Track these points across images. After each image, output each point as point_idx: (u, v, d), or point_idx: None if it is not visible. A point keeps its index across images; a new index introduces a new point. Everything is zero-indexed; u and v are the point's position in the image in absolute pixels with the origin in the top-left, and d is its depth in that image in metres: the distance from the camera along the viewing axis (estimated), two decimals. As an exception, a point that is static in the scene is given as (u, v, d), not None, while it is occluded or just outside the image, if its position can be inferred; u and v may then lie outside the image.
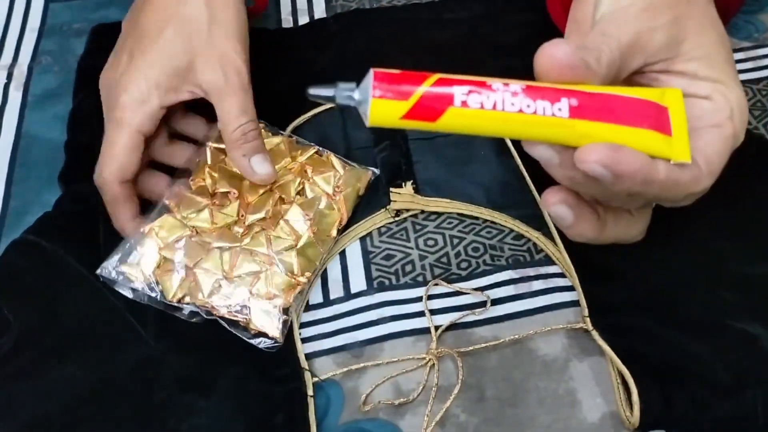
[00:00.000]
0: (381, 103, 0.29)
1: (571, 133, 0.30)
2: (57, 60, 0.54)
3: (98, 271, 0.40)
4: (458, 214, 0.45)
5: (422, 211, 0.45)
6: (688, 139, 0.31)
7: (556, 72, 0.30)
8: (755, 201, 0.43)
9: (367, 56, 0.52)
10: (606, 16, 0.34)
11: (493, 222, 0.44)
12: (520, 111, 0.29)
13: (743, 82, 0.50)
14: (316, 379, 0.38)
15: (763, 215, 0.43)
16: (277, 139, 0.44)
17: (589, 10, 0.37)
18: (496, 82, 0.29)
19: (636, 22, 0.33)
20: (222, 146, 0.44)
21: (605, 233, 0.35)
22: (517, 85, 0.29)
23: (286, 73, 0.51)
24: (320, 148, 0.46)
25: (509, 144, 0.47)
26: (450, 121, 0.29)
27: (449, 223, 0.45)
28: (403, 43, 0.53)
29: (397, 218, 0.45)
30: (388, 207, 0.45)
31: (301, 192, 0.43)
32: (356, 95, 0.29)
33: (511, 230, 0.44)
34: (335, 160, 0.45)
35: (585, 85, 0.30)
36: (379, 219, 0.45)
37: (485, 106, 0.29)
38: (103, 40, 0.52)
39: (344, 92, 0.30)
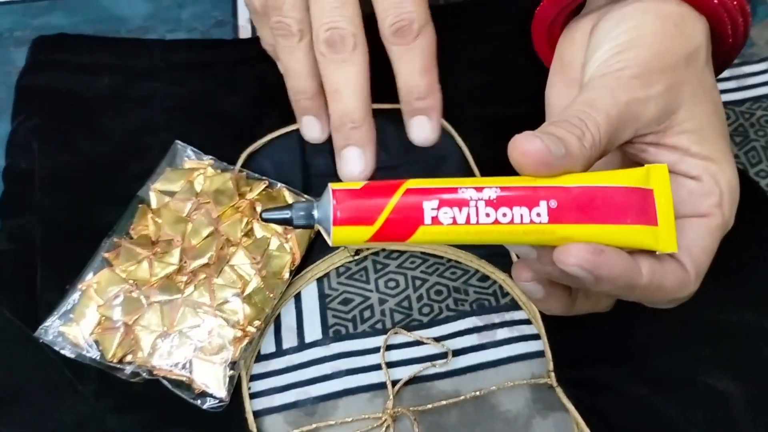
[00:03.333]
0: (344, 229, 0.27)
1: (552, 237, 0.27)
2: (-4, 73, 0.50)
3: (36, 334, 0.37)
4: (421, 252, 0.42)
5: (383, 249, 0.43)
6: (674, 225, 0.29)
7: (531, 168, 0.27)
8: (730, 243, 0.41)
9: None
10: (595, 80, 0.30)
11: (457, 261, 0.42)
12: (496, 222, 0.27)
13: (725, 103, 0.48)
14: (264, 443, 0.36)
15: (738, 258, 0.41)
16: (225, 176, 0.41)
17: (577, 54, 0.34)
18: (469, 189, 0.27)
19: (628, 91, 0.29)
20: (166, 188, 0.41)
21: (575, 308, 0.33)
22: (491, 189, 0.27)
23: (239, 90, 0.48)
24: (272, 182, 0.43)
25: (476, 174, 0.44)
26: (422, 238, 0.27)
27: (412, 262, 0.42)
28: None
29: (356, 257, 0.42)
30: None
31: (249, 233, 0.40)
32: (316, 214, 0.27)
33: (477, 271, 0.42)
34: (287, 194, 0.42)
35: (566, 177, 0.28)
36: (337, 258, 0.42)
37: (458, 220, 0.27)
38: (44, 55, 0.49)
39: (301, 212, 0.28)
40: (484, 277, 0.42)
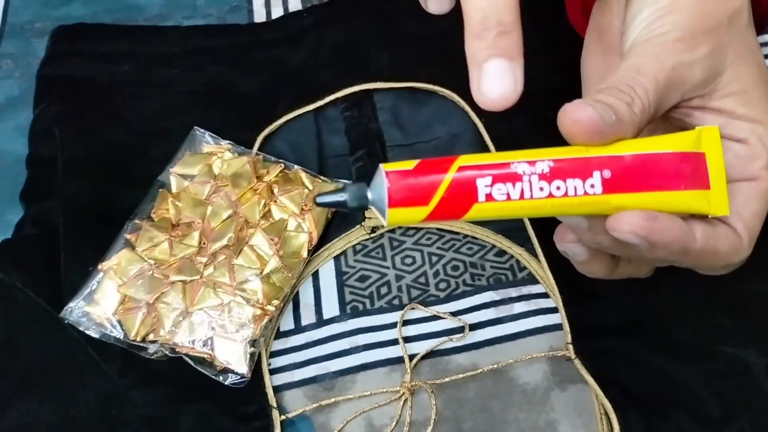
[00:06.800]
0: (399, 211, 0.26)
1: (606, 208, 0.27)
2: (18, 64, 0.51)
3: (61, 314, 0.38)
4: (437, 228, 0.43)
5: (399, 226, 0.43)
6: (726, 188, 0.28)
7: (583, 137, 0.27)
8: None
9: (344, 52, 0.49)
10: (639, 45, 0.30)
11: (474, 237, 0.42)
12: (550, 195, 0.26)
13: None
14: (284, 417, 0.37)
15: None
16: (242, 160, 0.42)
17: (614, 21, 0.34)
18: (522, 164, 0.26)
19: (674, 55, 0.29)
20: (186, 172, 0.42)
21: (617, 272, 0.32)
22: (544, 162, 0.27)
23: (256, 74, 0.48)
24: (288, 164, 0.43)
25: (492, 150, 0.44)
26: (476, 215, 0.27)
27: (428, 239, 0.42)
28: (382, 38, 0.49)
29: (373, 234, 0.43)
30: (363, 223, 0.42)
31: (267, 215, 0.41)
32: (369, 195, 0.27)
33: (493, 246, 0.42)
34: (304, 176, 0.42)
35: (617, 145, 0.27)
36: (354, 236, 0.42)
37: (512, 196, 0.26)
38: (65, 44, 0.49)
39: (355, 195, 0.27)
40: (501, 252, 0.42)
